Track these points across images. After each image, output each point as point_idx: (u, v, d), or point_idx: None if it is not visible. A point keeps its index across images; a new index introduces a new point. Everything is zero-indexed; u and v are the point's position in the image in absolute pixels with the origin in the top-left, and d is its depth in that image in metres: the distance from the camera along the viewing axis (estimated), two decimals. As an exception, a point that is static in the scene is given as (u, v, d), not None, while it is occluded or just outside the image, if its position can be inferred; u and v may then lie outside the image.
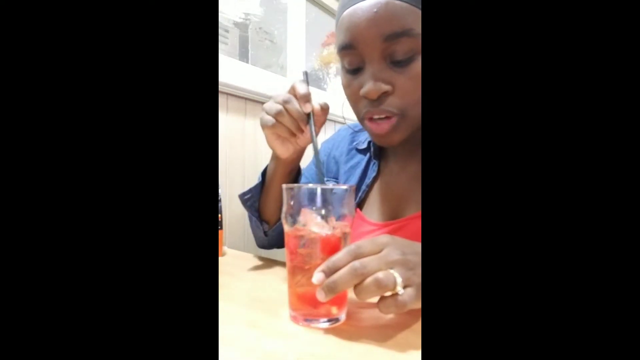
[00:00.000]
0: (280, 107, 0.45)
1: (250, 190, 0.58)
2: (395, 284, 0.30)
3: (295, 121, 0.46)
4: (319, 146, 0.48)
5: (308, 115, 0.45)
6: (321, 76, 1.57)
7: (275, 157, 0.55)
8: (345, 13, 0.44)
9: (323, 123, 0.49)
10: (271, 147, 0.51)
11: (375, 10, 0.41)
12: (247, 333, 0.32)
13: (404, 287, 0.30)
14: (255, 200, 0.58)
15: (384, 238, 0.33)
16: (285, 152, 0.50)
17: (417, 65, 0.43)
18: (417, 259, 0.32)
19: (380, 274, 0.30)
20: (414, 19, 0.41)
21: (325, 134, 1.31)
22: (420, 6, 0.42)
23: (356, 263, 0.30)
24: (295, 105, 0.45)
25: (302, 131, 0.47)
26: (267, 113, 0.47)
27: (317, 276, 0.31)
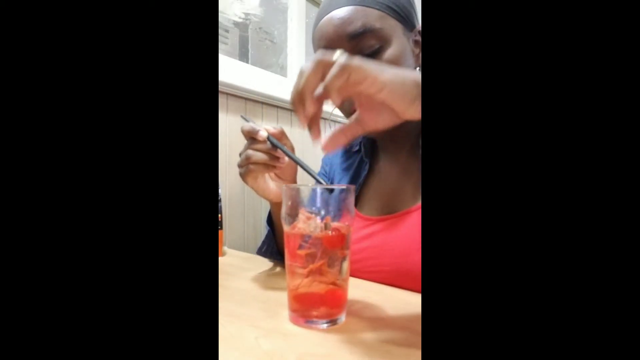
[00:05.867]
0: (247, 151, 0.46)
1: (264, 242, 0.59)
2: (335, 59, 0.30)
3: (265, 153, 0.46)
4: (301, 158, 0.48)
5: (269, 140, 0.45)
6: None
7: (273, 204, 0.55)
8: (317, 27, 0.53)
9: (291, 146, 0.49)
10: (264, 197, 0.50)
11: (338, 17, 0.49)
12: (247, 333, 0.32)
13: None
14: (273, 247, 0.59)
15: None
16: (277, 195, 0.50)
17: (385, 54, 0.49)
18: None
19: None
20: (373, 17, 0.49)
21: (325, 134, 1.30)
22: (376, 6, 0.49)
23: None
24: (254, 142, 0.46)
25: (276, 159, 0.47)
26: (240, 166, 0.48)
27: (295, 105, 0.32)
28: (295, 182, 0.54)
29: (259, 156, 0.46)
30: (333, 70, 0.29)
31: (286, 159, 0.46)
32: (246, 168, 0.46)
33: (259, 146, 0.46)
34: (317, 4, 1.44)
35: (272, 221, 0.60)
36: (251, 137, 0.46)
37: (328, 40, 0.50)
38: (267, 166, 0.46)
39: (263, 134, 0.45)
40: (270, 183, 0.50)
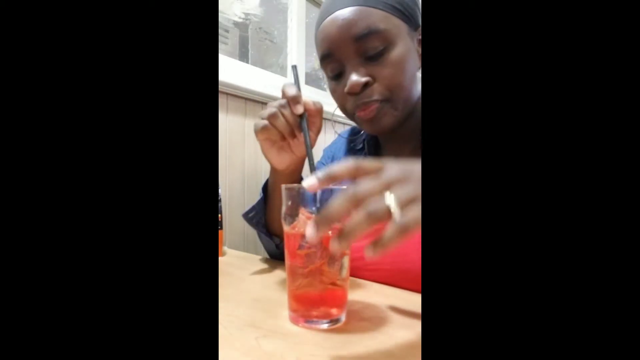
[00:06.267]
0: (274, 109, 0.45)
1: (253, 208, 0.58)
2: (387, 209, 0.26)
3: (288, 125, 0.45)
4: (313, 148, 0.46)
5: (301, 118, 0.44)
6: (321, 76, 1.57)
7: (274, 170, 0.54)
8: (320, 27, 0.51)
9: (319, 127, 0.48)
10: (266, 157, 0.50)
11: (342, 18, 0.48)
12: (247, 333, 0.32)
13: (405, 204, 0.26)
14: (261, 216, 0.58)
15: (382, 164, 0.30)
16: (281, 162, 0.50)
17: (390, 55, 0.48)
18: (416, 169, 0.28)
19: (370, 203, 0.26)
20: (378, 18, 0.48)
21: (325, 134, 1.31)
22: (380, 7, 0.48)
23: (346, 188, 0.28)
24: (289, 108, 0.45)
25: (293, 135, 0.46)
26: (261, 118, 0.47)
27: (310, 230, 0.28)
28: (303, 162, 0.53)
29: (281, 123, 0.45)
30: (392, 231, 0.25)
31: (303, 143, 0.45)
32: (264, 124, 0.45)
33: (288, 115, 0.45)
34: (317, 4, 1.44)
35: (267, 190, 0.58)
36: (287, 102, 0.45)
37: (331, 42, 0.49)
38: (282, 136, 0.46)
39: (299, 110, 0.44)
40: (279, 152, 0.49)
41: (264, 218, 0.58)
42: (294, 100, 0.44)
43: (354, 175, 0.29)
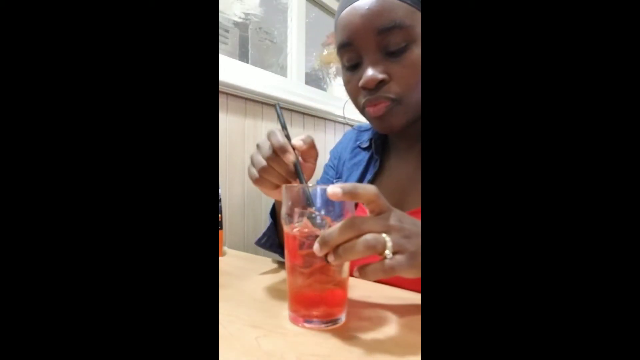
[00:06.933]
0: (263, 163, 0.42)
1: (264, 234, 0.58)
2: (384, 247, 0.30)
3: (281, 176, 0.42)
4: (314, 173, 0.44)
5: (296, 170, 0.41)
6: (321, 76, 1.57)
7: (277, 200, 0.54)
8: (342, 14, 0.49)
9: (316, 157, 0.45)
10: (266, 195, 0.47)
11: (367, 7, 0.46)
12: (247, 333, 0.32)
13: (395, 252, 0.31)
14: (274, 239, 0.58)
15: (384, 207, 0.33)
16: (280, 197, 0.47)
17: (410, 54, 0.46)
18: (414, 229, 0.32)
19: (370, 236, 0.30)
20: (404, 12, 0.46)
21: (325, 134, 1.31)
22: (408, 1, 0.46)
23: (352, 218, 0.31)
24: (278, 160, 0.41)
25: (288, 182, 0.43)
26: (252, 164, 0.44)
27: (316, 246, 0.31)
28: None
29: (273, 177, 0.42)
30: (379, 268, 0.30)
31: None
32: (256, 177, 0.43)
33: (279, 167, 0.41)
34: (317, 4, 1.44)
35: (275, 213, 0.58)
36: (275, 152, 0.41)
37: (352, 31, 0.47)
38: (276, 186, 0.43)
39: (290, 159, 0.40)
40: (278, 191, 0.46)
41: (277, 240, 0.59)
42: (281, 150, 0.40)
43: (370, 202, 0.32)
